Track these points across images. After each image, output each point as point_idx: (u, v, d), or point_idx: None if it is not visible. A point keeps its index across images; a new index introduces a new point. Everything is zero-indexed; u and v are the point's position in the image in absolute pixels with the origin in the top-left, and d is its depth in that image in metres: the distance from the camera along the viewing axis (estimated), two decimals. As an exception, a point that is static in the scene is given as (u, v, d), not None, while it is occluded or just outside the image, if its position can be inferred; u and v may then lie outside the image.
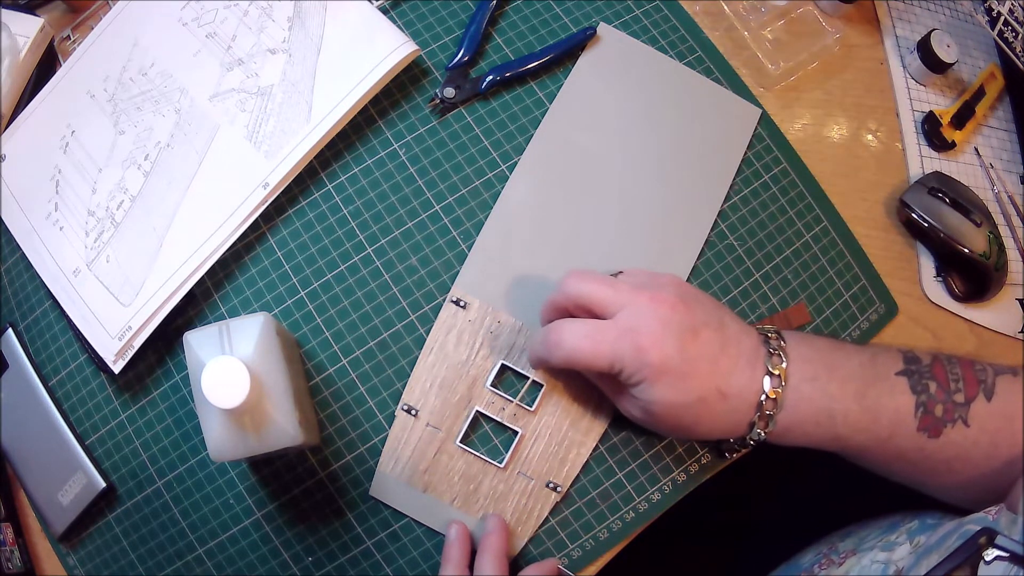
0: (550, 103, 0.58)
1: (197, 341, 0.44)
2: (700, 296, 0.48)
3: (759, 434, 0.46)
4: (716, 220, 0.58)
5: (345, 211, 0.56)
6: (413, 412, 0.53)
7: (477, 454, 0.52)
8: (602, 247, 0.56)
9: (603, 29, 0.60)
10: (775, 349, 0.46)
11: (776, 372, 0.45)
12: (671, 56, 0.61)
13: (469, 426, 0.52)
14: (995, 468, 0.45)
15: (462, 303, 0.54)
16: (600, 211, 0.57)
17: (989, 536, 0.36)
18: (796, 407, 0.45)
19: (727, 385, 0.45)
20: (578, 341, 0.45)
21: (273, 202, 0.54)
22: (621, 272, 0.50)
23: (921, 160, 0.63)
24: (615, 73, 0.60)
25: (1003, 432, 0.45)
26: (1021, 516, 0.39)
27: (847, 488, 0.65)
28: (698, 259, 0.57)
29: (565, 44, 0.59)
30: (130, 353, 0.52)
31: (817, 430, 0.46)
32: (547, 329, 0.47)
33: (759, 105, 0.61)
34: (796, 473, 0.68)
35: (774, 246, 0.58)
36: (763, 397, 0.45)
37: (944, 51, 0.63)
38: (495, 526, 0.50)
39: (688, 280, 0.56)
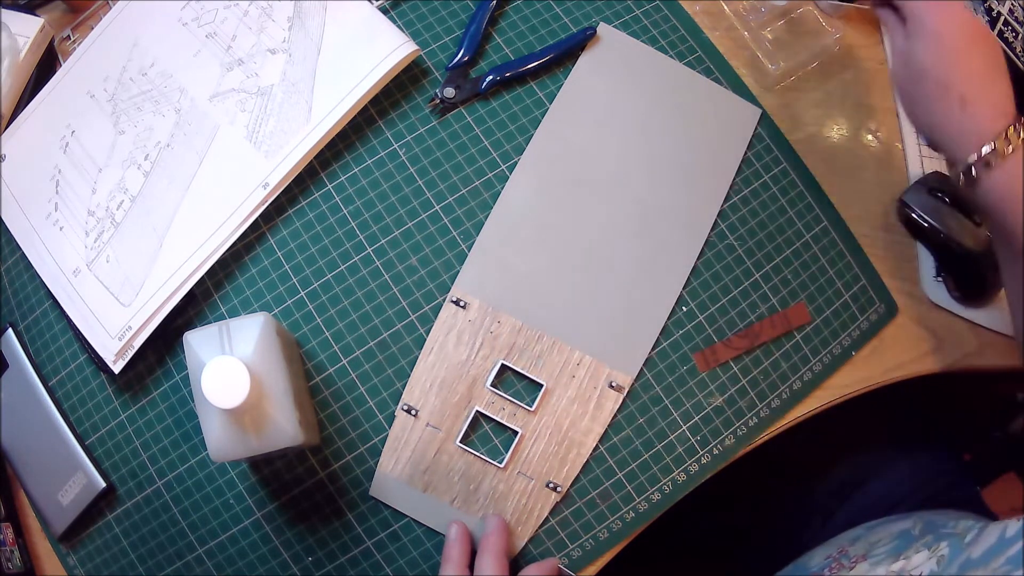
0: (550, 103, 0.58)
1: (197, 341, 0.44)
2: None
3: (969, 171, 0.47)
4: (716, 220, 0.58)
5: (345, 211, 0.56)
6: (413, 412, 0.53)
7: (477, 454, 0.52)
8: (602, 246, 0.56)
9: (603, 29, 0.60)
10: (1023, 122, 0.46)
11: (1016, 136, 0.45)
12: (671, 56, 0.61)
13: (469, 426, 0.53)
14: None
15: (462, 303, 0.54)
16: (600, 211, 0.57)
17: None
18: (1011, 179, 0.46)
19: (976, 98, 0.46)
20: None
21: (273, 202, 0.54)
22: None
23: (921, 160, 0.63)
24: (615, 73, 0.60)
25: None
26: None
27: (847, 489, 0.65)
28: (698, 259, 0.57)
29: (565, 44, 0.59)
30: (130, 353, 0.52)
31: (1012, 216, 0.46)
32: None
33: (759, 105, 0.61)
34: (796, 475, 0.68)
35: (774, 246, 0.58)
36: (991, 147, 0.46)
37: (944, 51, 0.63)
38: (495, 526, 0.50)
39: (688, 280, 0.56)
